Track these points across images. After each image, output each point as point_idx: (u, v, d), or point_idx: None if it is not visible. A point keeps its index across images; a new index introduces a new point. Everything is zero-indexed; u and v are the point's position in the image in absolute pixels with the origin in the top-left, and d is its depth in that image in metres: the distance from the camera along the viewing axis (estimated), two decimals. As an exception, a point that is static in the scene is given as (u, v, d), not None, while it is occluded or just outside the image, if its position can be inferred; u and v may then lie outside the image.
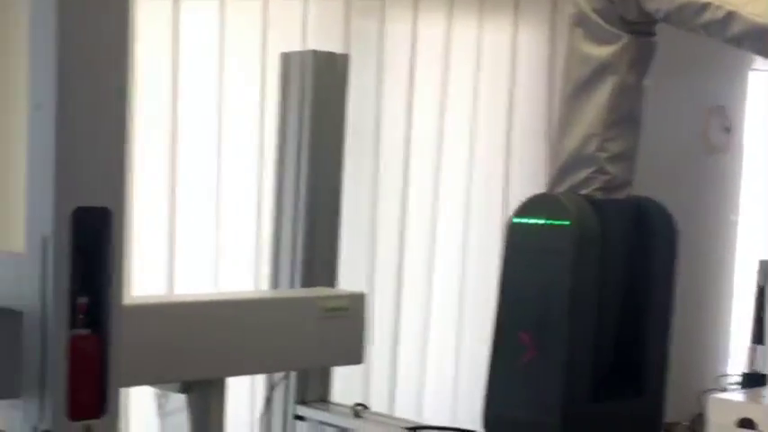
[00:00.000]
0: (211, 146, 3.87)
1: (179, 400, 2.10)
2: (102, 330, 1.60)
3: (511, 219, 3.26)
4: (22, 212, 1.63)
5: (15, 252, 1.71)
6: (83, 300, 1.59)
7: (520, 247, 3.18)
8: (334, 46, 3.80)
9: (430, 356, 4.59)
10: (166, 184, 3.75)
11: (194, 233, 3.83)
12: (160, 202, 3.73)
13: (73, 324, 1.58)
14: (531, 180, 4.61)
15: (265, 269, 3.78)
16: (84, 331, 1.59)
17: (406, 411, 4.27)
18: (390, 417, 3.23)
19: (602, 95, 3.24)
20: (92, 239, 1.59)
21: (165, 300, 2.00)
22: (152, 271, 3.68)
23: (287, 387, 3.16)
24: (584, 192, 3.25)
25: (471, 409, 4.56)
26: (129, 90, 1.56)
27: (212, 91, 3.85)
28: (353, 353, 2.16)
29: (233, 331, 1.98)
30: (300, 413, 3.17)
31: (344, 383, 3.68)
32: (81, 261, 1.58)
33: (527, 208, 3.22)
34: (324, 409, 3.14)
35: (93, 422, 1.60)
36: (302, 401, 3.18)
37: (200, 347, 1.95)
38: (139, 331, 1.78)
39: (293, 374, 3.08)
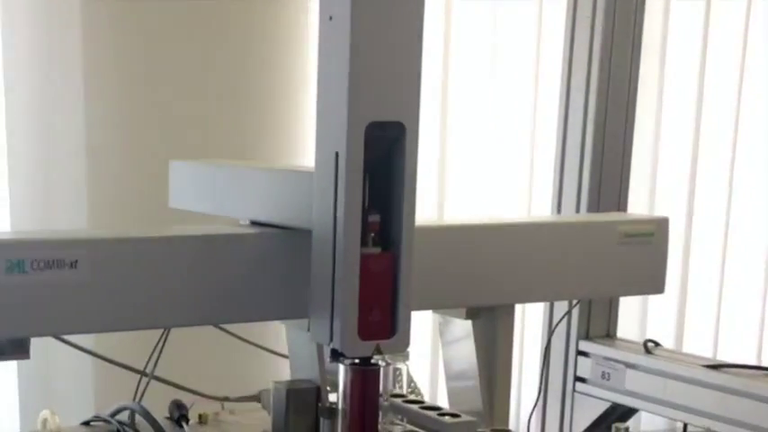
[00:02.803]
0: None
1: (464, 326, 2.15)
2: (394, 249, 1.65)
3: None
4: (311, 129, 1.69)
5: (305, 170, 1.80)
6: (374, 218, 1.65)
7: None
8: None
9: (723, 290, 4.47)
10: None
11: (465, 158, 3.86)
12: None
13: (364, 242, 1.63)
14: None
15: (538, 196, 3.80)
16: (375, 250, 1.65)
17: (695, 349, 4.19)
18: (686, 354, 3.18)
19: None
20: (384, 156, 1.64)
21: (454, 222, 2.04)
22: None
23: (569, 321, 3.17)
24: None
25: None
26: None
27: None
28: (655, 281, 2.14)
29: (525, 256, 2.00)
30: (584, 348, 3.18)
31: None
32: (373, 178, 1.63)
33: None
34: (609, 345, 3.14)
35: (382, 342, 1.67)
36: (586, 336, 3.19)
37: (490, 272, 1.98)
38: (428, 253, 1.83)
39: (575, 309, 3.09)
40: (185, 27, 3.21)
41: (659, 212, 4.00)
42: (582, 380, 3.19)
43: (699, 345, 4.33)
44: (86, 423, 2.10)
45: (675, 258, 4.32)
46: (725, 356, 4.18)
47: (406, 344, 1.69)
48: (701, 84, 4.31)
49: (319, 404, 1.90)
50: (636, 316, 4.20)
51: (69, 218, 3.06)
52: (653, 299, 4.09)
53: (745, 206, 4.53)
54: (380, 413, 1.79)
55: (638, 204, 4.01)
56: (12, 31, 3.01)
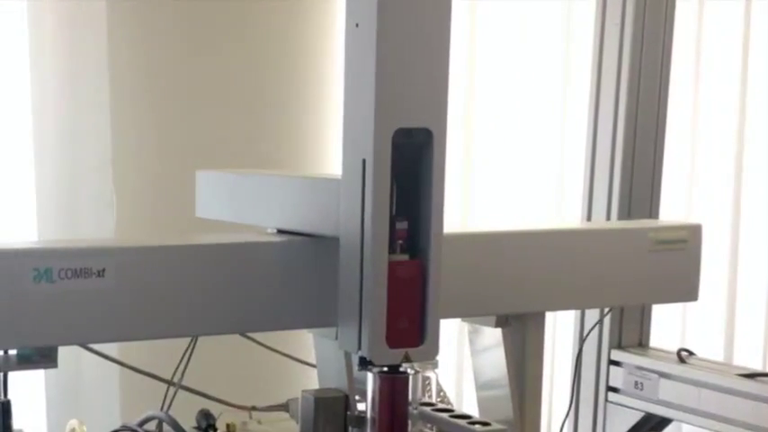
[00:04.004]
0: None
1: (494, 335, 2.16)
2: (422, 256, 1.67)
3: None
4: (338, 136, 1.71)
5: (331, 177, 1.82)
6: (402, 225, 1.66)
7: None
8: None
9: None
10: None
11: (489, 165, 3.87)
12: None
13: (391, 249, 1.65)
14: None
15: (568, 203, 3.80)
16: (402, 257, 1.67)
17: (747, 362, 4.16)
18: (721, 363, 3.18)
19: None
20: (411, 162, 1.66)
21: (484, 229, 2.05)
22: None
23: (601, 330, 3.17)
24: None
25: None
26: (450, 5, 1.60)
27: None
28: (689, 289, 2.15)
29: (556, 264, 2.02)
30: (616, 358, 3.18)
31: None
32: (400, 185, 1.65)
33: None
34: (642, 354, 3.13)
35: (411, 350, 1.68)
36: (618, 345, 3.19)
37: (520, 280, 1.99)
38: (457, 260, 1.84)
39: (607, 317, 3.09)
40: (211, 34, 3.25)
41: (703, 219, 3.98)
42: (614, 389, 3.18)
43: (749, 357, 4.31)
44: (114, 432, 2.13)
45: (722, 267, 4.30)
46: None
47: (436, 352, 1.70)
48: (743, 83, 4.28)
49: (348, 413, 1.91)
50: (678, 327, 4.19)
51: (96, 227, 3.09)
52: (698, 310, 4.07)
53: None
54: (410, 422, 1.80)
55: (679, 210, 4.00)
56: (39, 42, 3.05)
